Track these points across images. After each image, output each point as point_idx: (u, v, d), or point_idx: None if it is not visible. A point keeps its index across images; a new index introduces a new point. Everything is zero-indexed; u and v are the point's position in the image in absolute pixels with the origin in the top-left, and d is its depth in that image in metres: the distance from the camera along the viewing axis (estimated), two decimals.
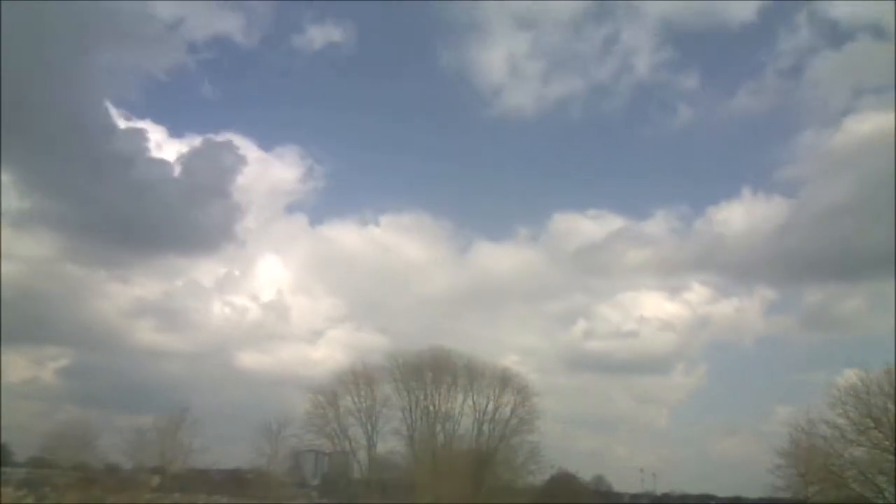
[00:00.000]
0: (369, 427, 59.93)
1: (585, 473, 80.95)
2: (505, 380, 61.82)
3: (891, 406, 38.33)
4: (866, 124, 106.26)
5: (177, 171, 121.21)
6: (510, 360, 77.97)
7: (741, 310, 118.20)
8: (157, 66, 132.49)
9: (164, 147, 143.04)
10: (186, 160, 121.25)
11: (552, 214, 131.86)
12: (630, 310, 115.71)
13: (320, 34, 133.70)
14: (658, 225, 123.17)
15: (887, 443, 38.02)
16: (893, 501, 37.75)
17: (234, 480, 61.75)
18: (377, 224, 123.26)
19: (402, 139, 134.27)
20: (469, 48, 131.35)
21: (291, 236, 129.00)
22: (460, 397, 61.07)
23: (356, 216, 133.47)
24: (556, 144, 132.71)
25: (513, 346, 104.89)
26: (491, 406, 61.01)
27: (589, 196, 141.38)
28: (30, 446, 61.44)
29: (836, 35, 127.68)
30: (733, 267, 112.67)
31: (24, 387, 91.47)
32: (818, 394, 44.07)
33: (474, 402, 61.12)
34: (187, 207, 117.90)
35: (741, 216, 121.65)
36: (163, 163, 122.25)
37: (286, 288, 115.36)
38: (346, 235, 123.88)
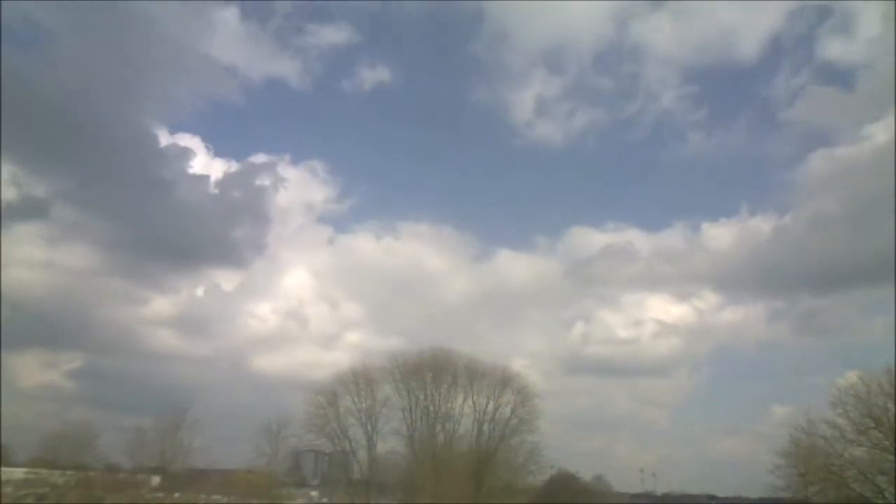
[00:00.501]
0: (369, 427, 59.96)
1: (585, 473, 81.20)
2: (505, 380, 61.80)
3: (891, 406, 38.34)
4: (850, 153, 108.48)
5: (215, 188, 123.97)
6: (520, 363, 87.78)
7: (743, 316, 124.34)
8: (210, 98, 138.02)
9: (209, 166, 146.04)
10: (225, 179, 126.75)
11: (570, 227, 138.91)
12: (636, 315, 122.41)
13: (371, 76, 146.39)
14: (667, 238, 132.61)
15: (887, 443, 38.02)
16: (893, 501, 37.73)
17: (234, 481, 61.67)
18: (398, 235, 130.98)
19: (433, 164, 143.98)
20: (501, 88, 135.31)
21: (317, 247, 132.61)
22: (460, 397, 61.13)
23: (380, 228, 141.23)
24: (579, 167, 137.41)
25: (524, 348, 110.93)
26: (491, 406, 61.08)
27: (605, 211, 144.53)
28: (30, 446, 61.42)
29: (831, 74, 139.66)
30: (736, 277, 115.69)
31: (41, 390, 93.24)
32: (817, 395, 44.38)
33: (474, 403, 61.14)
34: (223, 223, 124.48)
35: (741, 231, 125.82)
36: (203, 179, 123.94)
37: (308, 296, 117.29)
38: (369, 245, 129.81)
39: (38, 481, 53.47)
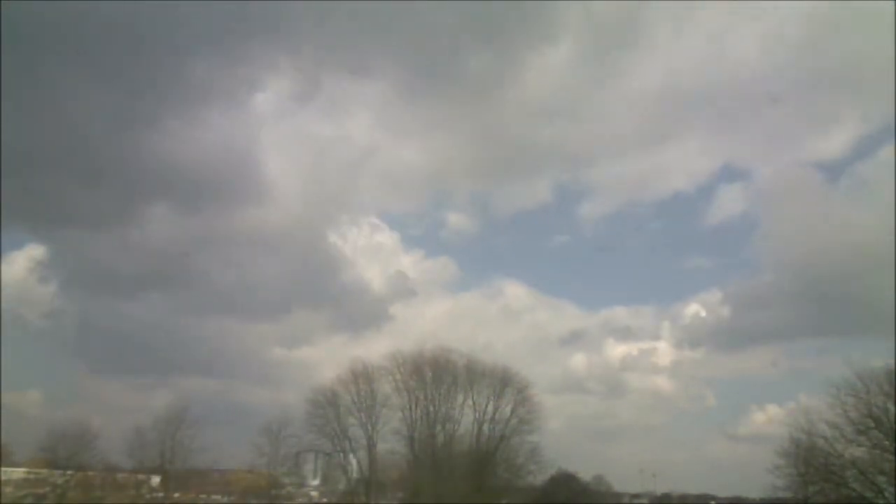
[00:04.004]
0: (369, 427, 59.86)
1: (585, 473, 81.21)
2: (505, 380, 61.72)
3: (891, 406, 38.35)
4: None
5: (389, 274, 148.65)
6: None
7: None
8: None
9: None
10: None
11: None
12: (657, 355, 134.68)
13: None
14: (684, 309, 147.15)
15: (887, 443, 38.02)
16: (893, 501, 37.74)
17: (234, 481, 61.76)
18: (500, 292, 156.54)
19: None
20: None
21: (439, 305, 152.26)
22: (460, 397, 61.03)
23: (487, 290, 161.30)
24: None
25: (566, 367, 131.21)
26: (491, 406, 61.03)
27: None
28: (29, 446, 61.41)
29: None
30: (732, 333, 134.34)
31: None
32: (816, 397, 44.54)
33: (474, 403, 61.09)
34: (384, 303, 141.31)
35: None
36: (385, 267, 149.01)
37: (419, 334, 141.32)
38: (477, 301, 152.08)
39: (38, 481, 53.53)
